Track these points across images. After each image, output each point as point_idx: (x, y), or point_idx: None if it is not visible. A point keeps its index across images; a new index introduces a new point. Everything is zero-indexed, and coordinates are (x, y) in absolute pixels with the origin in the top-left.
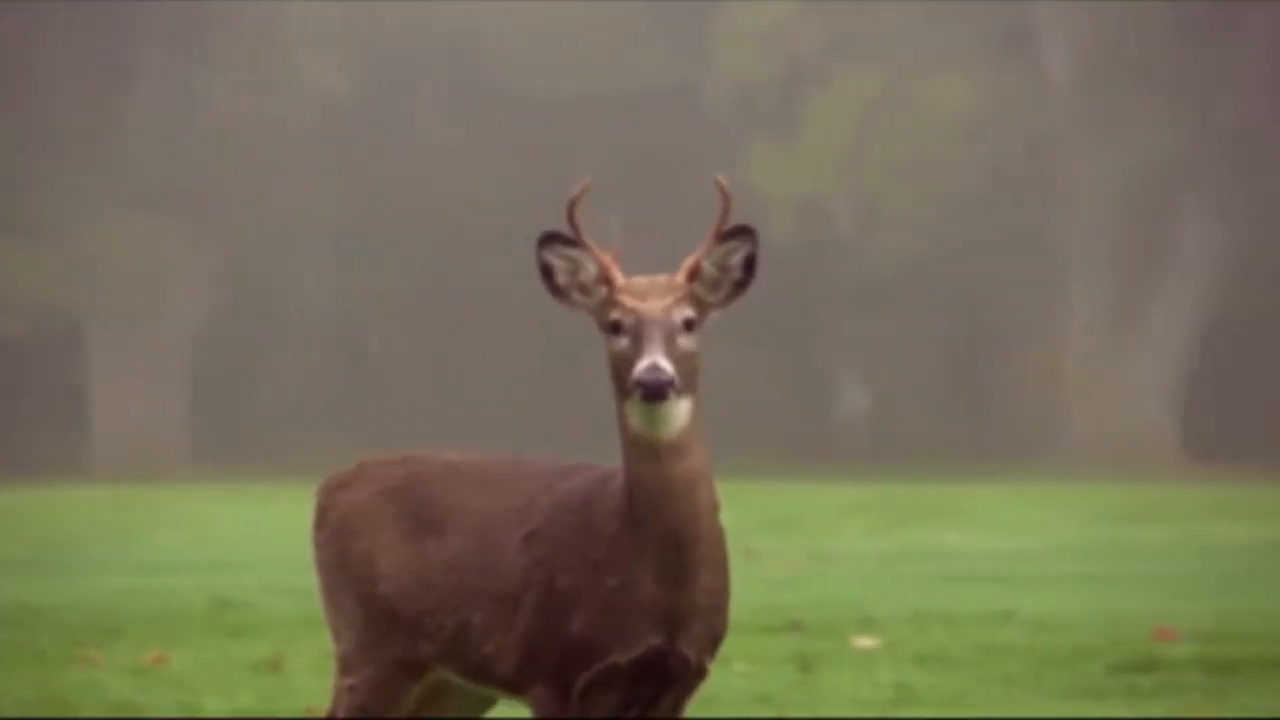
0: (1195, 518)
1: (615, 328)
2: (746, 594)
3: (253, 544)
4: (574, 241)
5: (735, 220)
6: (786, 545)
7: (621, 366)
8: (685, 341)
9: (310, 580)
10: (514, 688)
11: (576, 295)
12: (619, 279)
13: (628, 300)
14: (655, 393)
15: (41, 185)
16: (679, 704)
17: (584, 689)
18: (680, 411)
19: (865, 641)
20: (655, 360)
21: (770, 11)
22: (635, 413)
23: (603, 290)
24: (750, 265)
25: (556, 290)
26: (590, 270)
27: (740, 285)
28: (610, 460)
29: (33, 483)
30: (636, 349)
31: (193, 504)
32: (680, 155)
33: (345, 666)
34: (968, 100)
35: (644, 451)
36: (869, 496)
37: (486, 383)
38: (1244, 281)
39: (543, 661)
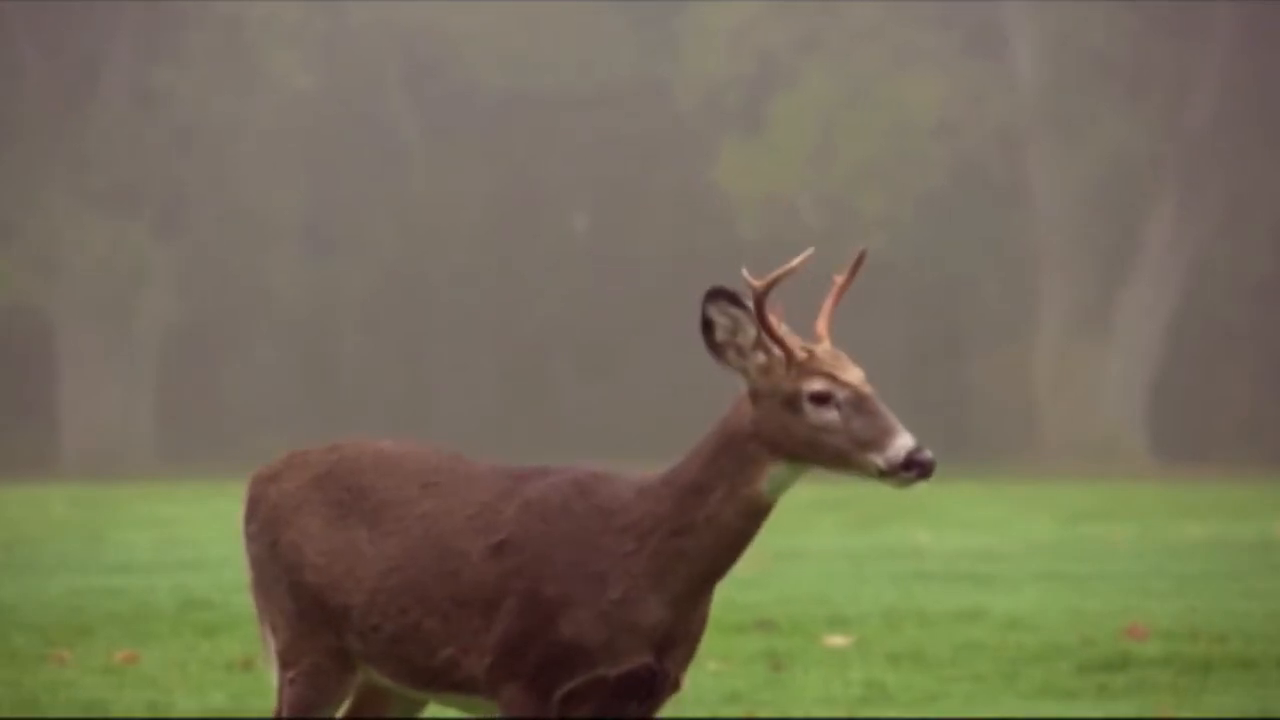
0: (1164, 517)
1: (820, 399)
2: (716, 592)
3: (223, 543)
4: (739, 302)
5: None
6: (756, 543)
7: (833, 439)
8: None
9: None
10: (476, 689)
11: (732, 354)
12: (798, 350)
13: (836, 372)
14: (929, 471)
15: (8, 184)
16: (650, 713)
17: (565, 696)
18: None
19: (836, 640)
20: (914, 439)
21: (739, 10)
22: (780, 476)
23: (760, 356)
24: None
25: (713, 345)
26: (750, 334)
27: None
28: (566, 453)
29: (1, 481)
30: (872, 424)
31: (162, 503)
32: (648, 153)
33: (284, 661)
34: (936, 99)
35: (750, 510)
36: (839, 495)
37: (454, 381)
38: (1212, 281)
39: (521, 663)
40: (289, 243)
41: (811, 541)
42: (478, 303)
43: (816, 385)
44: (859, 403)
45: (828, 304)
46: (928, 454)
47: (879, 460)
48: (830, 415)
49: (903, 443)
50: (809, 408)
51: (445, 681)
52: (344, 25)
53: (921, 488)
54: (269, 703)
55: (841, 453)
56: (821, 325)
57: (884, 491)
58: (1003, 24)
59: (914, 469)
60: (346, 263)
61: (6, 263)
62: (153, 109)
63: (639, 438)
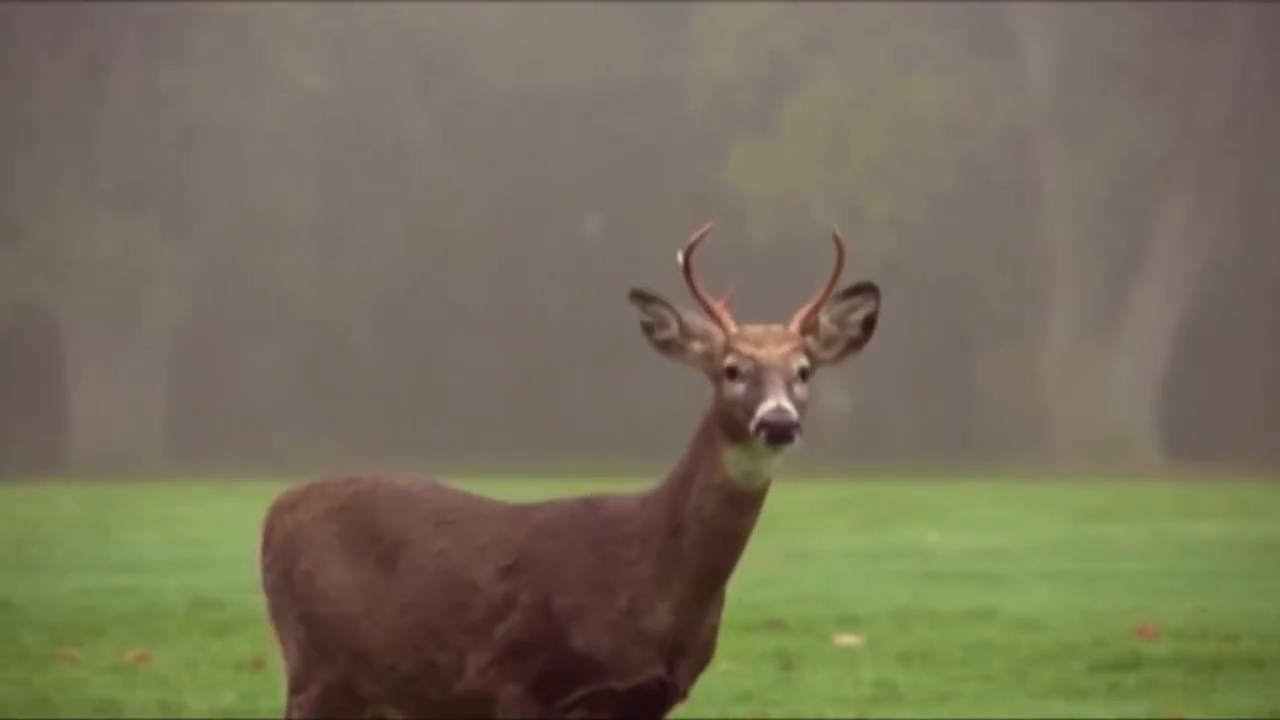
0: (1174, 516)
1: (731, 373)
2: (726, 592)
3: (232, 543)
4: (661, 299)
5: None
6: (766, 543)
7: (736, 411)
8: (800, 391)
9: None
10: (481, 704)
11: (677, 350)
12: (731, 326)
13: (745, 347)
14: (782, 434)
15: (16, 184)
16: None
17: (570, 707)
18: (779, 462)
19: (847, 640)
20: (780, 402)
21: (749, 10)
22: (739, 460)
23: (697, 345)
24: (870, 324)
25: (659, 345)
26: (696, 322)
27: (856, 343)
28: (576, 454)
29: (11, 481)
30: (756, 393)
31: (171, 502)
32: (658, 153)
33: (293, 685)
34: (946, 99)
35: (729, 498)
36: (849, 495)
37: (462, 381)
38: (1222, 281)
39: (524, 667)
40: (297, 242)
41: (820, 541)
42: (486, 302)
43: (728, 360)
44: (757, 375)
45: (821, 291)
46: (781, 418)
47: (750, 426)
48: (738, 389)
49: (763, 406)
50: (725, 383)
51: (457, 710)
52: (353, 26)
53: (935, 487)
54: (279, 702)
55: (742, 425)
56: (803, 310)
57: (893, 492)
58: (1012, 24)
59: (762, 430)
60: (355, 262)
61: (15, 263)
62: (161, 109)
63: (648, 438)
